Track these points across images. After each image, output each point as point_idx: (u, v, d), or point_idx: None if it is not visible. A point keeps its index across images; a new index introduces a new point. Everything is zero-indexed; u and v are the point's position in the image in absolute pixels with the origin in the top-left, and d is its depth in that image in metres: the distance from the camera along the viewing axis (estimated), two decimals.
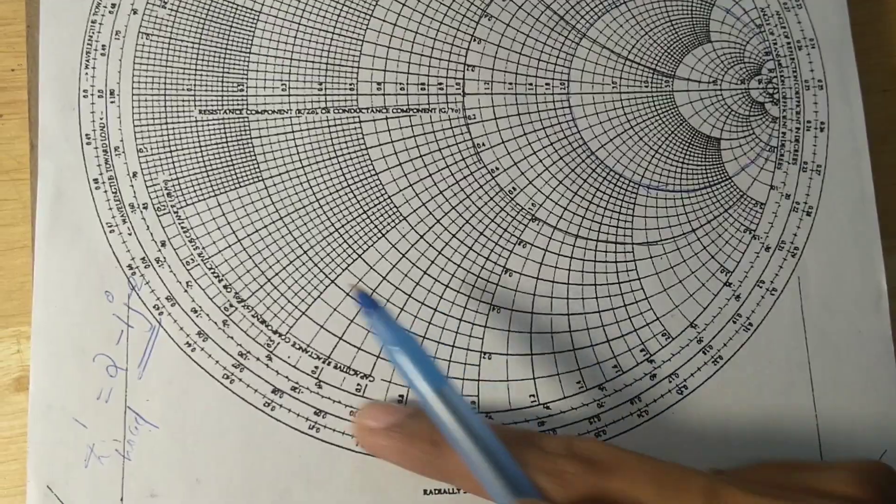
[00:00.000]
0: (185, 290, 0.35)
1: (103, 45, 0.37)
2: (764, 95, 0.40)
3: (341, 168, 0.37)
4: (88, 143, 0.36)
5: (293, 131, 0.37)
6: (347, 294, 0.35)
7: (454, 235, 0.37)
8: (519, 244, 0.37)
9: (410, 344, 0.31)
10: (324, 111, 0.38)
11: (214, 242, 0.36)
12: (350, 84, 0.38)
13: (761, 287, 0.38)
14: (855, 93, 0.39)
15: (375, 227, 0.37)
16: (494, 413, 0.35)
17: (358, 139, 0.38)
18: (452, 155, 0.38)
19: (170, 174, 0.37)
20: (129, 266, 0.35)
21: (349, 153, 0.37)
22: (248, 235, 0.36)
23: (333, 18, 0.38)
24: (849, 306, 0.37)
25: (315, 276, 0.36)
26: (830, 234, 0.38)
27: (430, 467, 0.32)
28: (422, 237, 0.37)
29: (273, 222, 0.36)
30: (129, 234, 0.36)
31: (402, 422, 0.32)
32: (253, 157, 0.37)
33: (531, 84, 0.39)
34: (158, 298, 0.35)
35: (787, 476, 0.30)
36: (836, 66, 0.40)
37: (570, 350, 0.36)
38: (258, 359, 0.35)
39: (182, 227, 0.36)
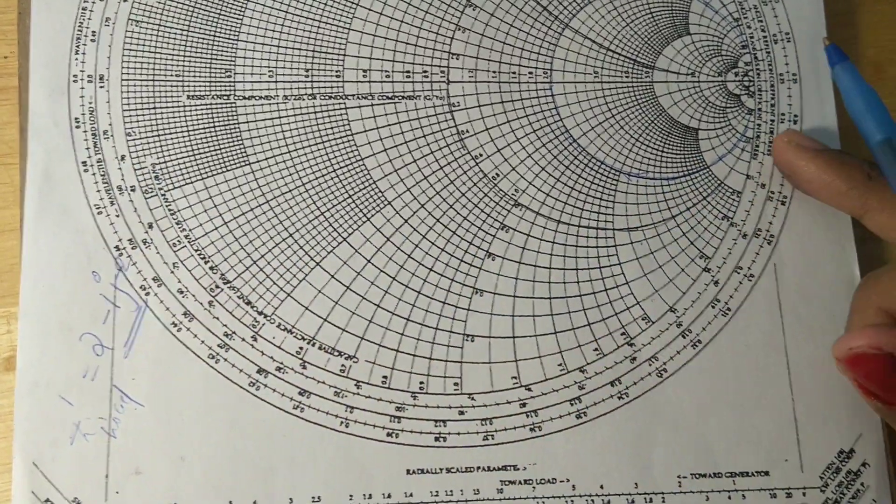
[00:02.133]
0: (172, 272, 0.35)
1: (93, 32, 0.37)
2: (740, 88, 0.40)
3: (327, 153, 0.37)
4: (77, 127, 0.36)
5: (280, 117, 0.37)
6: (823, 40, 0.37)
7: (438, 220, 0.37)
8: (502, 229, 0.37)
9: (871, 95, 0.34)
10: (310, 97, 0.37)
11: (201, 224, 0.36)
12: (336, 71, 0.38)
13: (739, 273, 0.37)
14: (828, 86, 0.40)
15: (360, 211, 0.37)
16: (476, 394, 0.35)
17: (344, 125, 0.37)
18: (437, 141, 0.38)
19: (158, 157, 0.36)
20: (117, 247, 0.35)
21: (335, 139, 0.37)
22: (235, 218, 0.36)
23: (320, 6, 0.38)
24: (823, 292, 0.37)
25: (300, 258, 0.36)
26: (804, 222, 0.38)
27: (846, 199, 0.35)
28: (406, 221, 0.37)
29: (259, 205, 0.36)
30: (117, 216, 0.35)
31: (831, 155, 0.36)
32: (240, 142, 0.37)
33: (514, 73, 0.39)
34: (145, 279, 0.35)
35: None
36: (811, 59, 0.40)
37: (551, 333, 0.36)
38: (243, 339, 0.35)
39: (169, 210, 0.36)
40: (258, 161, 0.37)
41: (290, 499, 0.33)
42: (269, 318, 0.35)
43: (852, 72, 0.35)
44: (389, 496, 0.34)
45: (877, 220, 0.34)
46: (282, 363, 0.35)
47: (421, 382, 0.35)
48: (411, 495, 0.34)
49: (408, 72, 0.38)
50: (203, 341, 0.34)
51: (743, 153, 0.39)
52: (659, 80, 0.39)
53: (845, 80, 0.35)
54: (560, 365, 0.36)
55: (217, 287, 0.35)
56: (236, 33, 0.38)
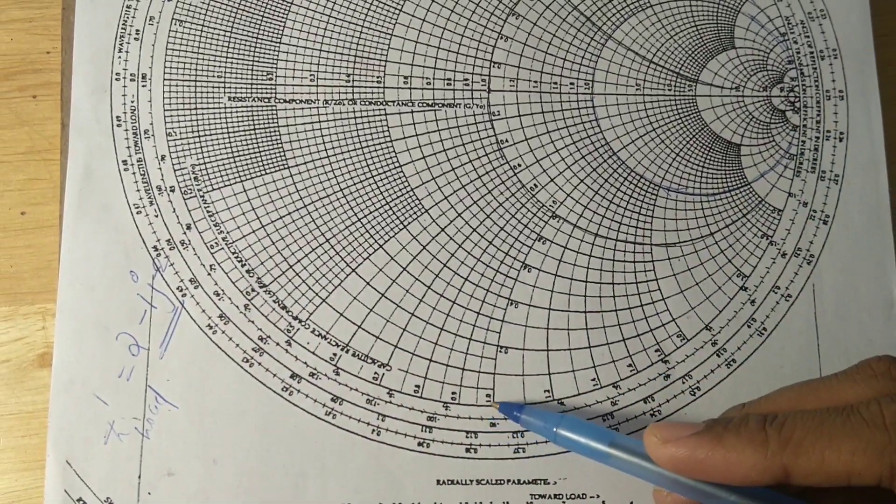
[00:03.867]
0: (209, 273, 0.35)
1: (137, 30, 0.37)
2: (785, 103, 0.39)
3: (366, 159, 0.36)
4: (119, 125, 0.36)
5: (320, 121, 0.37)
6: (491, 404, 0.35)
7: (475, 229, 0.36)
8: (539, 240, 0.36)
9: (567, 421, 0.32)
10: (351, 102, 0.37)
11: (238, 227, 0.35)
12: (377, 77, 0.37)
13: (776, 293, 0.37)
14: (875, 104, 0.38)
15: (397, 218, 0.36)
16: None
17: (383, 131, 0.37)
18: (476, 150, 0.37)
19: (197, 159, 0.36)
20: (155, 247, 0.35)
21: (374, 145, 0.37)
22: (272, 222, 0.35)
23: (363, 12, 0.38)
24: (861, 314, 0.36)
25: (336, 264, 0.35)
26: (846, 243, 0.37)
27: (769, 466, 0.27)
28: (443, 230, 0.36)
29: (297, 210, 0.36)
30: (156, 216, 0.35)
31: (718, 426, 0.28)
32: (279, 145, 0.36)
33: (556, 83, 0.38)
34: (182, 280, 0.35)
35: (807, 399, 0.29)
36: (858, 76, 0.39)
37: (585, 347, 0.35)
38: (278, 344, 0.34)
39: (207, 211, 0.35)
40: (297, 165, 0.36)
41: None
42: (303, 323, 0.35)
43: (536, 412, 0.33)
44: None
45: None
46: (315, 369, 0.34)
47: (453, 393, 0.35)
48: None
49: (449, 79, 0.37)
50: (238, 344, 0.34)
51: (786, 170, 0.38)
52: (702, 93, 0.38)
53: (537, 423, 0.33)
54: (593, 380, 0.35)
55: (253, 290, 0.35)
56: (279, 36, 0.37)
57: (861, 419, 0.26)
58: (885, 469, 0.25)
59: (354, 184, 0.36)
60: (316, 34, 0.37)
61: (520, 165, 0.37)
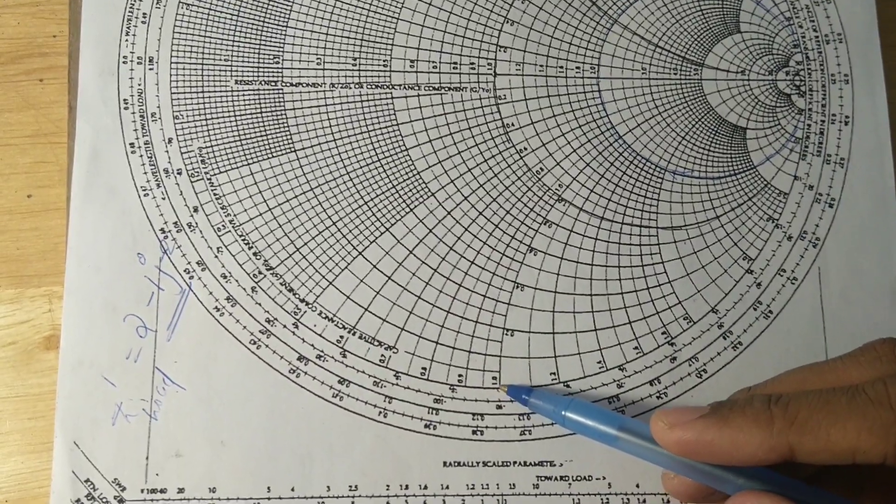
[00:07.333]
0: (216, 256, 0.34)
1: (144, 14, 0.36)
2: (791, 87, 0.38)
3: (372, 142, 0.36)
4: (126, 108, 0.35)
5: (326, 105, 0.36)
6: (498, 387, 0.34)
7: (481, 213, 0.36)
8: (545, 224, 0.36)
9: (575, 404, 0.31)
10: (357, 86, 0.36)
11: (245, 210, 0.35)
12: (384, 61, 0.37)
13: (782, 276, 0.36)
14: (880, 88, 0.38)
15: (404, 201, 0.35)
16: None
17: (389, 115, 0.36)
18: (482, 133, 0.36)
19: (204, 142, 0.35)
20: (162, 230, 0.34)
21: (380, 128, 0.36)
22: (279, 205, 0.35)
23: None
24: (866, 297, 0.36)
25: (343, 247, 0.35)
26: (851, 226, 0.37)
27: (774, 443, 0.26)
28: (449, 213, 0.35)
29: (303, 193, 0.35)
30: (163, 199, 0.34)
31: (723, 408, 0.28)
32: (286, 129, 0.36)
33: (562, 67, 0.37)
34: (189, 262, 0.34)
35: (811, 382, 0.28)
36: (863, 61, 0.38)
37: (591, 330, 0.35)
38: (285, 326, 0.34)
39: (214, 194, 0.35)
40: (303, 148, 0.35)
41: (328, 486, 0.32)
42: (310, 305, 0.34)
43: (545, 395, 0.33)
44: (426, 487, 0.33)
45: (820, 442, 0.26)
46: (322, 351, 0.34)
47: (459, 375, 0.34)
48: (447, 487, 0.33)
49: (455, 63, 0.37)
50: (245, 327, 0.34)
51: (791, 154, 0.37)
52: (708, 77, 0.38)
53: (546, 407, 0.32)
54: (599, 363, 0.35)
55: (260, 273, 0.34)
56: (285, 20, 0.36)
57: (867, 398, 0.25)
58: (890, 447, 0.25)
59: (361, 167, 0.36)
60: (323, 18, 0.37)
61: (526, 149, 0.37)
